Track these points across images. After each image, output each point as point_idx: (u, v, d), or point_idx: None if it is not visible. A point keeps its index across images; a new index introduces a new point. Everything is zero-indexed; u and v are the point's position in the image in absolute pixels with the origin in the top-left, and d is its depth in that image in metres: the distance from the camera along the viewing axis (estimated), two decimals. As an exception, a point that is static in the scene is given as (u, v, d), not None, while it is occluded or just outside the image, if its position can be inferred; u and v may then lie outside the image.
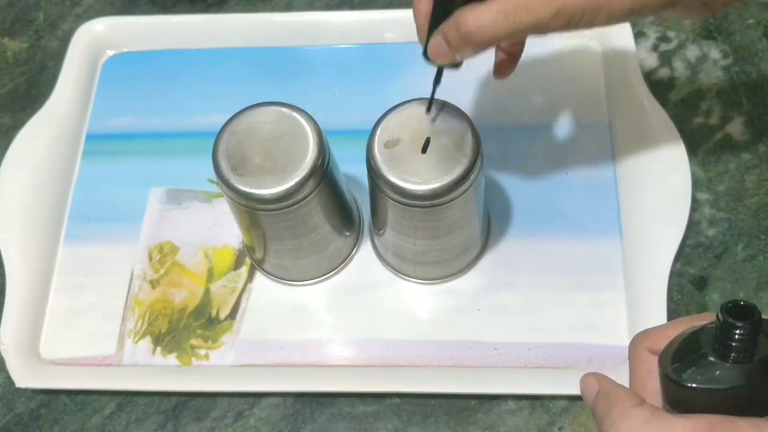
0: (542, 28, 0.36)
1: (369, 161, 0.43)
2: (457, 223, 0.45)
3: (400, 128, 0.43)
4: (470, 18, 0.37)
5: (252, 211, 0.44)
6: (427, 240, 0.47)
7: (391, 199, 0.43)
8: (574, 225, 0.52)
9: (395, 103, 0.44)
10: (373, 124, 0.44)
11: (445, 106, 0.44)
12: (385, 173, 0.42)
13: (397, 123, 0.43)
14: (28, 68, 0.62)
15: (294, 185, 0.42)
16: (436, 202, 0.42)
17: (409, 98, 0.44)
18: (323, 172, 0.44)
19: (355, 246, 0.52)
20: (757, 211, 0.52)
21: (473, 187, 0.44)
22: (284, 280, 0.52)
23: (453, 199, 0.43)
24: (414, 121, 0.43)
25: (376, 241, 0.52)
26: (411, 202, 0.43)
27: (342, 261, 0.52)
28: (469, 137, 0.43)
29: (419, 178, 0.42)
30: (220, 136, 0.44)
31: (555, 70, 0.57)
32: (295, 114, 0.44)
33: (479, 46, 0.38)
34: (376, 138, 0.43)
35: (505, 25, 0.36)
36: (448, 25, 0.38)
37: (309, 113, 0.44)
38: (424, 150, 0.43)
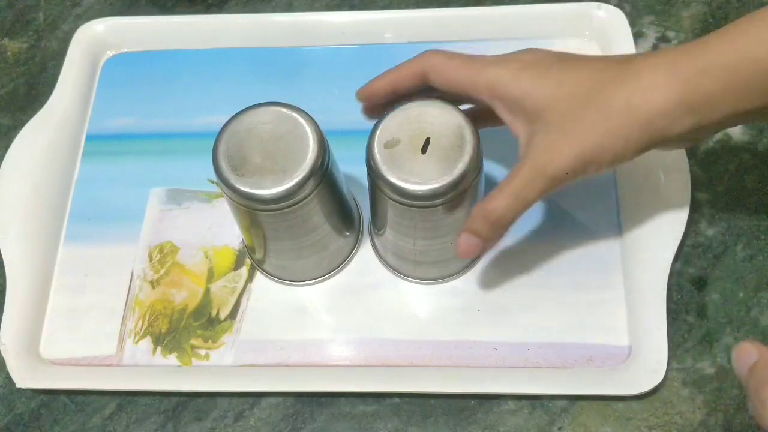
0: (548, 192, 0.42)
1: (369, 161, 0.43)
2: (456, 223, 0.45)
3: (400, 128, 0.43)
4: (487, 209, 0.42)
5: (252, 211, 0.44)
6: (426, 240, 0.47)
7: (391, 199, 0.43)
8: (574, 225, 0.52)
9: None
10: (373, 124, 0.44)
11: (445, 107, 0.44)
12: (385, 173, 0.42)
13: (397, 123, 0.43)
14: (28, 69, 0.62)
15: (294, 185, 0.42)
16: (437, 202, 0.43)
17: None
18: (323, 173, 0.44)
19: (355, 246, 0.52)
20: (757, 211, 0.52)
21: (473, 187, 0.44)
22: (284, 280, 0.52)
23: (453, 199, 0.43)
24: (414, 121, 0.43)
25: (376, 241, 0.52)
26: (411, 202, 0.43)
27: (342, 261, 0.52)
28: (469, 137, 0.43)
29: (419, 178, 0.42)
30: (220, 136, 0.44)
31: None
32: (295, 114, 0.44)
33: (507, 228, 0.43)
34: (376, 138, 0.43)
35: (519, 204, 0.42)
36: (474, 221, 0.43)
37: (309, 113, 0.44)
38: (423, 150, 0.43)
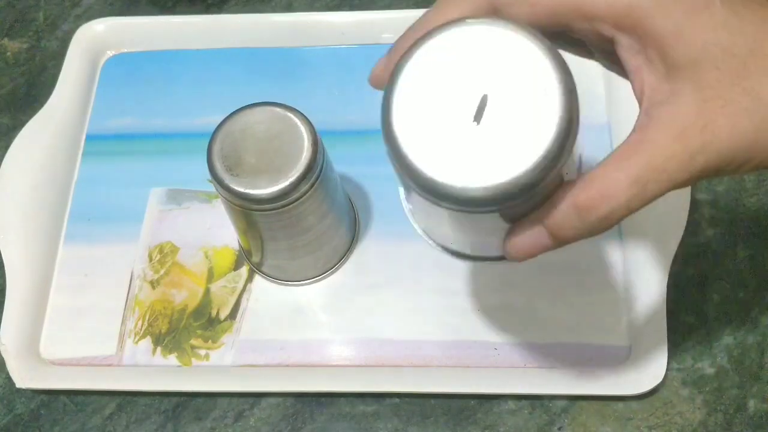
0: (682, 186, 0.29)
1: (386, 135, 0.28)
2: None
3: (438, 74, 0.27)
4: (596, 197, 0.28)
5: (247, 211, 0.44)
6: (467, 234, 0.35)
7: (421, 196, 0.28)
8: (574, 225, 0.52)
9: None
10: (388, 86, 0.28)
11: (517, 32, 0.27)
12: (411, 159, 0.27)
13: (433, 64, 0.27)
14: (28, 69, 0.62)
15: (289, 185, 0.42)
16: (495, 208, 0.28)
17: None
18: (318, 172, 0.44)
19: (351, 245, 0.52)
20: (757, 211, 0.52)
21: (559, 176, 0.28)
22: (281, 280, 0.52)
23: (525, 201, 0.28)
24: (461, 60, 0.27)
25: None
26: (452, 206, 0.28)
27: (338, 261, 0.52)
28: (557, 90, 0.26)
29: (466, 171, 0.26)
30: (214, 136, 0.44)
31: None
32: (289, 114, 0.44)
33: (604, 231, 0.29)
34: (397, 95, 0.27)
35: (642, 198, 0.28)
36: (561, 216, 0.29)
37: (304, 113, 0.44)
38: (477, 117, 0.27)
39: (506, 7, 0.29)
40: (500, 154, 0.26)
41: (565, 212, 0.29)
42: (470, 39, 0.27)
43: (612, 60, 0.31)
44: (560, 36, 0.29)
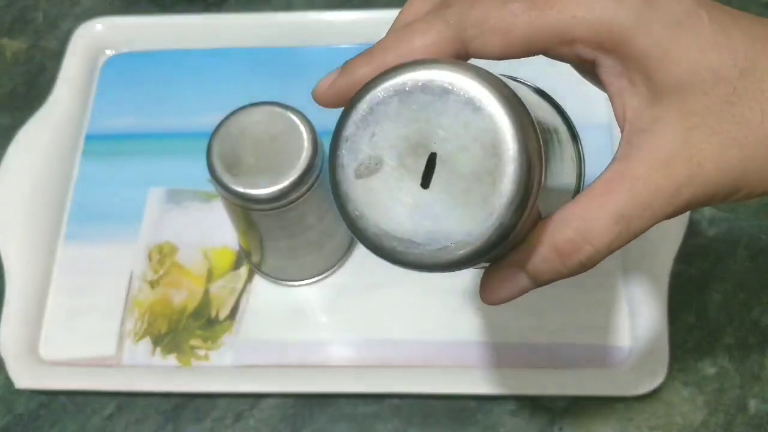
0: (660, 221, 0.27)
1: (335, 195, 0.27)
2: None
3: (381, 133, 0.25)
4: (577, 240, 0.26)
5: (247, 211, 0.44)
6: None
7: (372, 252, 0.27)
8: (574, 225, 0.51)
9: None
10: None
11: (468, 77, 0.25)
12: (364, 227, 0.26)
13: (375, 121, 0.25)
14: (28, 68, 0.62)
15: (288, 185, 0.42)
16: (453, 269, 0.26)
17: None
18: (318, 172, 0.44)
19: (351, 245, 0.52)
20: (758, 211, 0.52)
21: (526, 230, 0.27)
22: (281, 280, 0.51)
23: (485, 261, 0.27)
24: (406, 115, 0.25)
25: None
26: (405, 269, 0.27)
27: (337, 260, 0.52)
28: (511, 148, 0.24)
29: (416, 237, 0.25)
30: (213, 136, 0.44)
31: (554, 70, 0.57)
32: (288, 113, 0.44)
33: (587, 270, 0.27)
34: (341, 158, 0.26)
35: (626, 237, 0.26)
36: (539, 259, 0.27)
37: (303, 113, 0.44)
38: (426, 180, 0.25)
39: (475, 39, 0.27)
40: (452, 221, 0.25)
41: (544, 256, 0.27)
42: (422, 86, 0.25)
43: (591, 77, 0.29)
44: None
